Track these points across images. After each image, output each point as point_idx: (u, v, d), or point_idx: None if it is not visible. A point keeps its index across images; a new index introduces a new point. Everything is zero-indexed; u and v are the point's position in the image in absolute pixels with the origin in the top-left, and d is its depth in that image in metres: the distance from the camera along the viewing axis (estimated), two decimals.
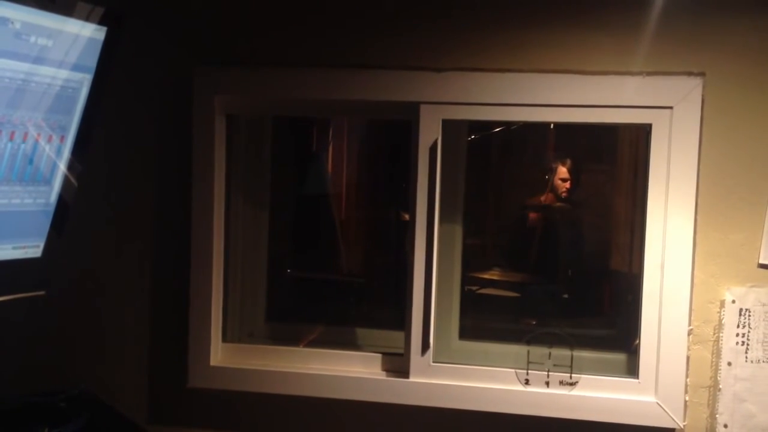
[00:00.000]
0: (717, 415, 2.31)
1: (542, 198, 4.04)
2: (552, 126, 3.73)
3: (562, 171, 3.92)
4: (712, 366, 2.32)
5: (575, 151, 3.98)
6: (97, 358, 2.58)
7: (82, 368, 2.50)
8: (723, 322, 2.30)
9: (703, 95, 2.28)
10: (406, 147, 2.52)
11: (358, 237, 4.05)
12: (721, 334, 2.30)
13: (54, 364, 2.46)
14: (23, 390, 2.31)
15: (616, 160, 3.62)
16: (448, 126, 2.47)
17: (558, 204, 3.89)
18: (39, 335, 2.43)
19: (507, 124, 3.44)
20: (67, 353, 2.51)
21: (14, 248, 2.10)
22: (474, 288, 3.73)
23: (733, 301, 2.29)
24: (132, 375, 2.63)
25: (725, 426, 2.30)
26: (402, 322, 2.55)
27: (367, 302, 3.49)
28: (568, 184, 3.88)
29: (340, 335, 2.87)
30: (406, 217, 2.88)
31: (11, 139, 1.94)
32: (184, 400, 2.62)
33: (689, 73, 2.29)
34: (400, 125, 2.57)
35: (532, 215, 4.07)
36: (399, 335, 2.58)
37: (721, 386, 2.30)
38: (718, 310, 2.31)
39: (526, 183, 4.15)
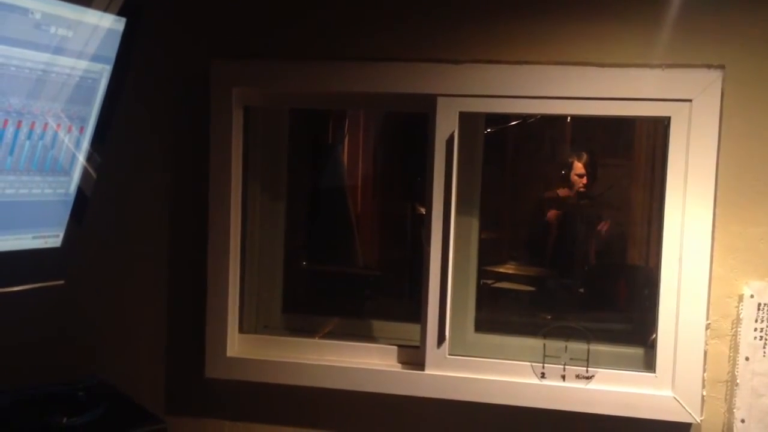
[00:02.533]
0: (734, 410, 2.29)
1: (559, 192, 4.02)
2: (569, 119, 3.72)
3: (578, 167, 3.90)
4: (729, 361, 2.31)
5: (592, 144, 3.96)
6: (115, 349, 2.60)
7: (100, 358, 2.52)
8: (741, 316, 2.29)
9: (722, 88, 2.26)
10: (422, 140, 2.52)
11: (373, 230, 4.05)
12: (739, 329, 2.29)
13: (72, 354, 2.47)
14: (41, 380, 2.32)
15: (633, 153, 3.60)
16: (465, 119, 2.47)
17: (574, 198, 3.87)
18: (58, 325, 2.44)
19: (524, 117, 3.43)
20: (85, 343, 2.52)
21: (34, 238, 2.11)
22: (489, 282, 3.72)
23: (752, 296, 2.27)
24: (149, 365, 2.65)
25: (742, 421, 2.29)
26: (417, 315, 2.55)
27: (383, 295, 3.50)
28: (584, 180, 3.87)
29: (355, 327, 2.88)
30: (422, 210, 2.88)
31: (31, 129, 1.95)
32: (200, 390, 2.63)
33: (709, 66, 2.27)
34: (417, 118, 2.57)
35: (549, 209, 4.06)
36: (414, 327, 2.58)
37: (738, 381, 2.29)
38: (737, 304, 2.30)
39: (543, 177, 4.13)
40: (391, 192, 4.07)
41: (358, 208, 3.96)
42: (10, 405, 2.18)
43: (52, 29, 1.89)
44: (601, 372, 2.40)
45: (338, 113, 3.72)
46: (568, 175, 3.96)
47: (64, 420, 2.09)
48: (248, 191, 2.69)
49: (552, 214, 4.04)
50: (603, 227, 3.76)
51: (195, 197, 2.57)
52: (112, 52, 2.07)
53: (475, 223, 2.70)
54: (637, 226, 3.44)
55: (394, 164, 4.06)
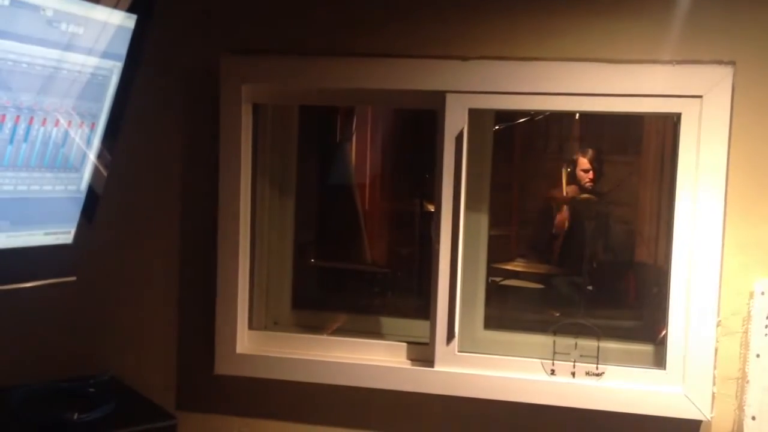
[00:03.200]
0: (745, 407, 2.29)
1: (566, 189, 4.02)
2: (577, 116, 3.72)
3: (584, 162, 3.89)
4: (740, 358, 2.30)
5: (600, 141, 3.96)
6: (126, 345, 2.61)
7: (110, 354, 2.53)
8: (752, 313, 2.28)
9: (733, 84, 2.25)
10: (430, 136, 2.52)
11: (382, 227, 4.05)
12: (749, 326, 2.28)
13: (83, 350, 2.48)
14: (53, 375, 2.34)
15: (641, 150, 3.60)
16: (475, 115, 2.46)
17: (583, 195, 3.87)
18: (69, 321, 2.46)
19: (532, 114, 3.43)
20: (96, 339, 2.53)
21: (46, 234, 2.12)
22: (498, 279, 3.72)
23: (762, 293, 2.26)
24: (160, 361, 2.66)
25: (753, 418, 2.28)
26: (426, 312, 2.55)
27: (392, 291, 3.50)
28: (590, 175, 3.86)
29: (364, 324, 2.88)
30: (430, 207, 2.88)
31: (43, 125, 1.96)
32: (210, 386, 2.64)
33: (719, 62, 2.26)
34: (425, 114, 2.57)
35: (556, 206, 4.06)
36: (423, 324, 2.58)
37: (749, 378, 2.28)
38: (747, 301, 2.29)
39: (551, 174, 4.13)
40: (399, 189, 4.07)
41: (367, 205, 3.96)
42: (22, 400, 2.19)
43: (64, 26, 1.90)
44: (611, 369, 2.40)
45: (346, 110, 3.72)
46: (573, 171, 3.96)
47: (75, 416, 2.10)
48: (257, 188, 2.69)
49: (559, 211, 4.04)
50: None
51: (204, 194, 2.58)
52: (122, 49, 2.08)
53: (484, 220, 2.70)
54: (646, 222, 3.43)
55: (402, 161, 4.06)
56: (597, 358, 2.41)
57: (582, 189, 3.92)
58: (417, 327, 2.69)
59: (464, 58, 2.40)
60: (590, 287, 3.69)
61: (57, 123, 2.00)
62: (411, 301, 3.38)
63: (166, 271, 2.64)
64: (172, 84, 2.58)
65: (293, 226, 2.92)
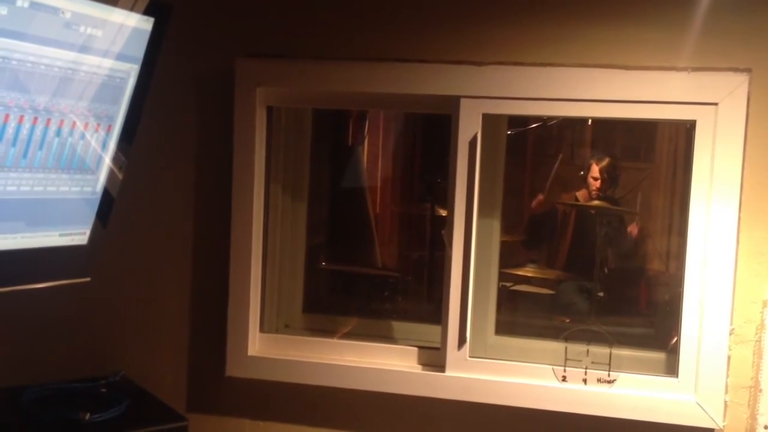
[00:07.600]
0: (758, 416, 2.28)
1: (577, 195, 4.01)
2: (590, 122, 3.72)
3: (594, 170, 3.89)
4: (753, 366, 2.29)
5: (613, 147, 3.96)
6: (138, 346, 2.61)
7: (123, 355, 2.54)
8: (765, 322, 2.27)
9: (749, 91, 2.24)
10: (441, 141, 2.51)
11: (393, 231, 4.06)
12: (763, 334, 2.27)
13: (95, 351, 2.50)
14: (65, 376, 2.35)
15: (654, 156, 3.59)
16: (488, 120, 2.46)
17: (595, 201, 3.86)
18: (82, 322, 2.47)
19: (544, 120, 3.43)
20: (109, 340, 2.54)
21: (61, 235, 2.13)
22: (508, 284, 3.72)
23: None
24: (171, 363, 2.66)
25: (765, 427, 2.27)
26: (437, 316, 2.54)
27: (403, 296, 3.50)
28: (599, 183, 3.85)
29: (375, 328, 2.88)
30: (442, 211, 2.87)
31: (60, 127, 1.97)
32: (221, 388, 2.64)
33: (735, 69, 2.25)
34: (437, 119, 2.57)
35: (568, 212, 4.06)
36: (434, 329, 2.59)
37: (762, 387, 2.27)
38: (761, 309, 2.28)
39: (563, 179, 4.13)
40: (411, 193, 4.08)
41: (378, 208, 3.97)
42: (34, 400, 2.20)
43: (82, 29, 1.91)
44: (622, 376, 2.39)
45: (359, 114, 3.73)
46: (586, 176, 3.96)
47: (87, 416, 2.11)
48: (270, 191, 2.70)
49: (571, 216, 4.04)
50: (633, 229, 3.74)
51: (218, 196, 2.59)
52: (139, 51, 2.09)
53: (496, 225, 2.70)
54: (659, 229, 3.43)
55: (414, 166, 4.07)
56: (609, 365, 2.40)
57: (590, 196, 3.92)
58: (428, 331, 2.70)
59: (479, 64, 2.40)
60: (601, 294, 3.68)
61: (74, 125, 2.01)
62: (422, 305, 3.39)
63: (179, 273, 2.65)
64: (187, 87, 2.59)
65: (305, 229, 2.93)
